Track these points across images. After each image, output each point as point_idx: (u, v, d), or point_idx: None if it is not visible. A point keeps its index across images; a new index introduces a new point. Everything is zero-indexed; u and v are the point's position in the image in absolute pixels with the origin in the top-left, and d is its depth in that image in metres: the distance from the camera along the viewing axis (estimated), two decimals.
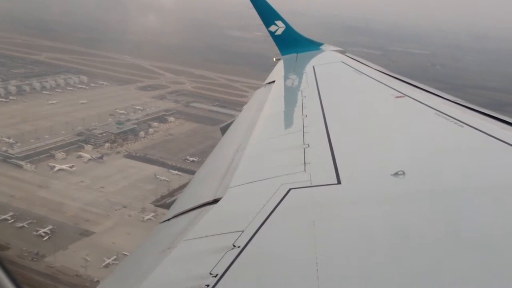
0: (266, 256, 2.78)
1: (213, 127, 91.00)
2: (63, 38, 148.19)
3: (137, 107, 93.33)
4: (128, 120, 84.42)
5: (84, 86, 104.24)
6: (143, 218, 54.19)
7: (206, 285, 2.42)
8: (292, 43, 13.74)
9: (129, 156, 71.07)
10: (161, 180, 64.09)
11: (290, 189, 3.64)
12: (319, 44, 13.75)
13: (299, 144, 4.96)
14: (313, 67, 10.54)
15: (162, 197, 59.47)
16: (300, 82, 9.88)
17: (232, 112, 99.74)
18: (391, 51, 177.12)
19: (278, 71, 11.74)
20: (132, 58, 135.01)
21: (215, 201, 3.96)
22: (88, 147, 70.54)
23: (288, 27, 13.94)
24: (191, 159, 72.60)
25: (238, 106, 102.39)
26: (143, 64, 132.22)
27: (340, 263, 2.56)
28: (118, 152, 71.57)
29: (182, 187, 63.57)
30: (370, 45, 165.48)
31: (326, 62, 11.57)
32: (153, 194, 60.07)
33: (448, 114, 5.18)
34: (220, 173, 4.83)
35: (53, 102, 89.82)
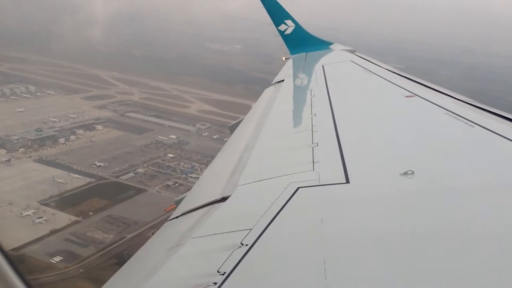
0: (274, 255, 2.78)
1: (138, 135, 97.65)
2: (36, 49, 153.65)
3: (72, 116, 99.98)
4: (53, 127, 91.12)
5: (29, 96, 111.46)
6: (21, 214, 60.93)
7: (213, 283, 2.42)
8: (302, 42, 13.86)
9: (39, 160, 77.85)
10: (58, 182, 70.80)
11: (298, 188, 3.65)
12: (329, 43, 13.99)
13: (308, 143, 4.95)
14: (323, 66, 10.52)
15: (51, 197, 66.38)
16: (309, 81, 9.94)
17: (165, 122, 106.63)
18: None
19: (287, 70, 11.79)
20: (94, 69, 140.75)
21: (224, 199, 3.99)
22: (2, 151, 77.86)
23: (297, 26, 14.12)
24: (98, 164, 79.00)
25: (175, 116, 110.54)
26: (101, 75, 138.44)
27: (348, 263, 2.55)
28: (30, 157, 78.39)
29: (76, 188, 71.04)
30: None
31: (336, 61, 11.62)
32: (43, 194, 66.79)
33: (459, 114, 5.12)
34: (229, 171, 4.85)
35: None
